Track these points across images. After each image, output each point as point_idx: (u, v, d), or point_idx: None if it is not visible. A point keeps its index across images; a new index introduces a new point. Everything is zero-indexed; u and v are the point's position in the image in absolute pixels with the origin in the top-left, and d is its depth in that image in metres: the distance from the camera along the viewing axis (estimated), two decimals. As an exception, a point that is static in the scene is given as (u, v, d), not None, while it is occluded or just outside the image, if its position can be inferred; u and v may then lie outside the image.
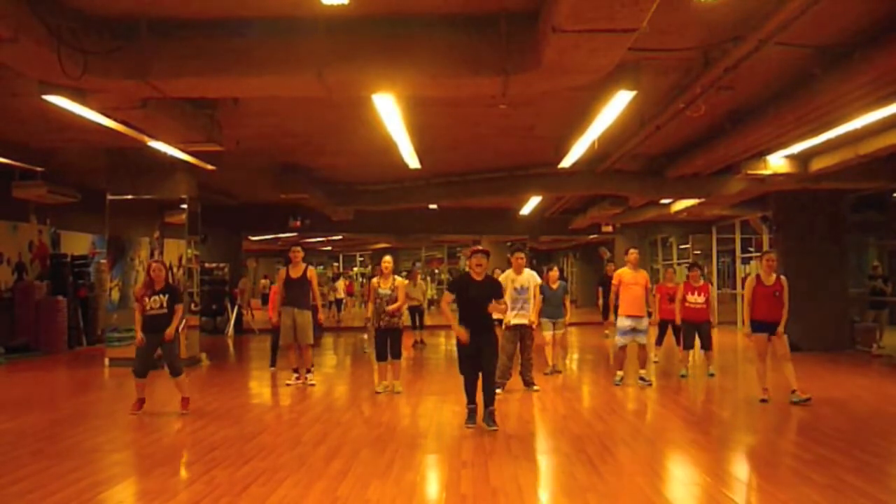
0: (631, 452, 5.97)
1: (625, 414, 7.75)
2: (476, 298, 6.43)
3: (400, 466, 5.31)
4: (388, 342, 8.41)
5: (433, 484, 5.13)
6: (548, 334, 9.95)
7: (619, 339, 8.98)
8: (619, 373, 9.13)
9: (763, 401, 7.66)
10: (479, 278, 6.46)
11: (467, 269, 6.65)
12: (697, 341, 9.74)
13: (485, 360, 6.46)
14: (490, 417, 6.40)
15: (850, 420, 7.19)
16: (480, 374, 6.49)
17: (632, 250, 9.31)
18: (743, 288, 8.34)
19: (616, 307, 9.06)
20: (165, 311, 7.21)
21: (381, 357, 8.51)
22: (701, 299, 9.57)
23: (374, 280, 8.59)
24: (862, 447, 5.88)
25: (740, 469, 5.67)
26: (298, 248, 9.28)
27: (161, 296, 7.21)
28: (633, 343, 8.93)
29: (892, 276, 13.87)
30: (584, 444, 5.97)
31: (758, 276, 7.78)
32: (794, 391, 7.58)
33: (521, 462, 5.48)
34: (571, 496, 4.65)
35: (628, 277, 8.97)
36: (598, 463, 5.38)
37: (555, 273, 10.05)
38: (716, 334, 16.70)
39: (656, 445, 6.31)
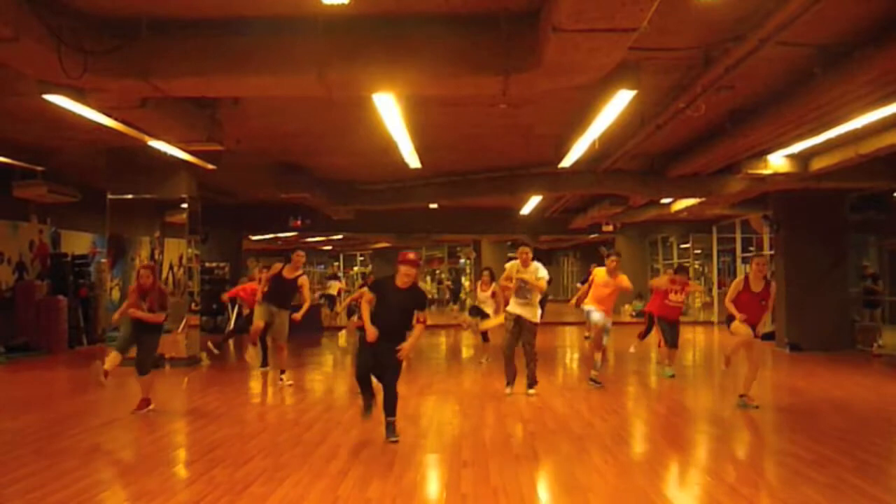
0: (631, 452, 5.97)
1: (625, 414, 7.75)
2: (394, 307, 5.99)
3: (400, 466, 5.31)
4: None
5: (433, 484, 5.13)
6: None
7: (594, 317, 9.05)
8: (598, 356, 9.11)
9: (742, 397, 7.59)
10: (403, 286, 6.02)
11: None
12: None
13: (386, 374, 6.01)
14: (390, 429, 6.01)
15: (850, 420, 7.19)
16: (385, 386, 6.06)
17: (613, 257, 9.18)
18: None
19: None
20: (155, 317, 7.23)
21: None
22: (681, 297, 9.62)
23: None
24: (862, 447, 5.88)
25: (740, 469, 5.67)
26: (302, 253, 9.38)
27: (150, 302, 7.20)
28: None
29: (883, 276, 13.94)
30: (585, 444, 5.97)
31: (746, 280, 7.50)
32: (742, 395, 7.55)
33: (521, 462, 5.48)
34: (572, 496, 4.65)
35: (600, 279, 9.05)
36: (598, 463, 5.39)
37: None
38: (716, 333, 16.78)
39: (656, 445, 6.31)
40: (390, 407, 6.06)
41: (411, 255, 6.04)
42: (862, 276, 13.64)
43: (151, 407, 7.35)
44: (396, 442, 5.97)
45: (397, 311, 5.99)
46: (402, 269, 5.98)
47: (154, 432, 6.70)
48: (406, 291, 6.01)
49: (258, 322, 9.12)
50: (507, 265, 8.63)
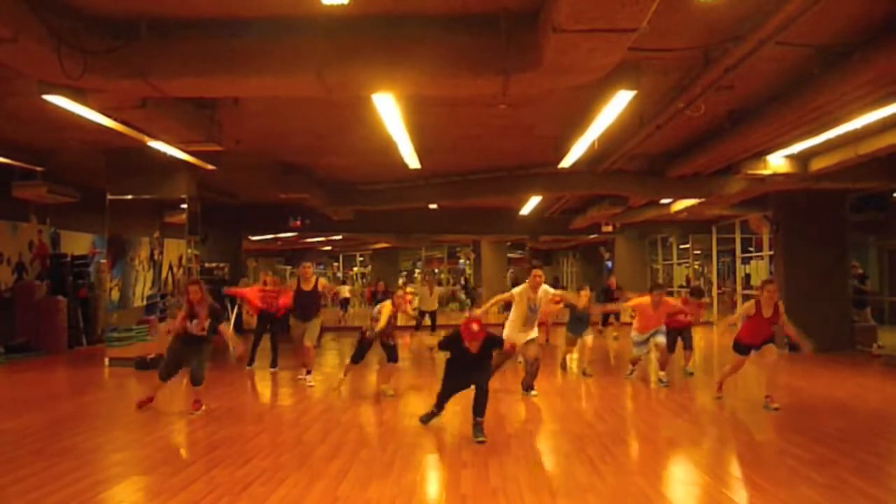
0: (631, 452, 5.97)
1: (625, 414, 7.75)
2: (471, 361, 6.24)
3: (400, 466, 5.32)
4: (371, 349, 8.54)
5: (433, 484, 5.13)
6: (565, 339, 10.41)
7: (635, 351, 9.48)
8: (632, 366, 9.59)
9: (718, 398, 8.02)
10: (475, 350, 6.15)
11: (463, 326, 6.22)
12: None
13: (479, 378, 6.26)
14: (478, 429, 6.15)
15: (850, 420, 7.19)
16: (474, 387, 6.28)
17: (657, 292, 9.27)
18: (742, 288, 8.32)
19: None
20: (205, 332, 7.22)
21: (356, 360, 8.57)
22: (690, 318, 9.74)
23: (388, 307, 8.32)
24: (862, 447, 5.89)
25: (740, 469, 5.67)
26: (308, 265, 9.61)
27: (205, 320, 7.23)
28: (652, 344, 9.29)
29: (884, 276, 13.99)
30: (584, 444, 5.97)
31: (757, 305, 7.43)
32: (767, 396, 7.48)
33: (521, 462, 5.49)
34: (571, 496, 4.65)
35: (648, 310, 9.15)
36: (598, 463, 5.39)
37: (586, 293, 10.28)
38: (714, 334, 16.77)
39: (656, 445, 6.31)
40: (481, 407, 6.20)
41: (475, 328, 6.06)
42: (850, 276, 13.70)
43: (204, 407, 7.38)
44: (483, 443, 5.98)
45: (473, 364, 6.24)
46: (470, 343, 6.10)
47: (154, 432, 6.69)
48: (478, 353, 6.19)
49: (309, 343, 9.31)
50: (516, 291, 8.07)
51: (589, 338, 10.24)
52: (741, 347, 7.66)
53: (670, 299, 9.40)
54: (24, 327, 12.91)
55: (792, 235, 13.42)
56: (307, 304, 9.28)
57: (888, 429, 6.97)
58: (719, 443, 6.46)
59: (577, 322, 10.17)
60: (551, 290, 8.35)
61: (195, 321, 7.16)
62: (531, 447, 6.15)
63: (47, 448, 5.94)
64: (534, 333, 8.24)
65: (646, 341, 9.28)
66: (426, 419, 6.64)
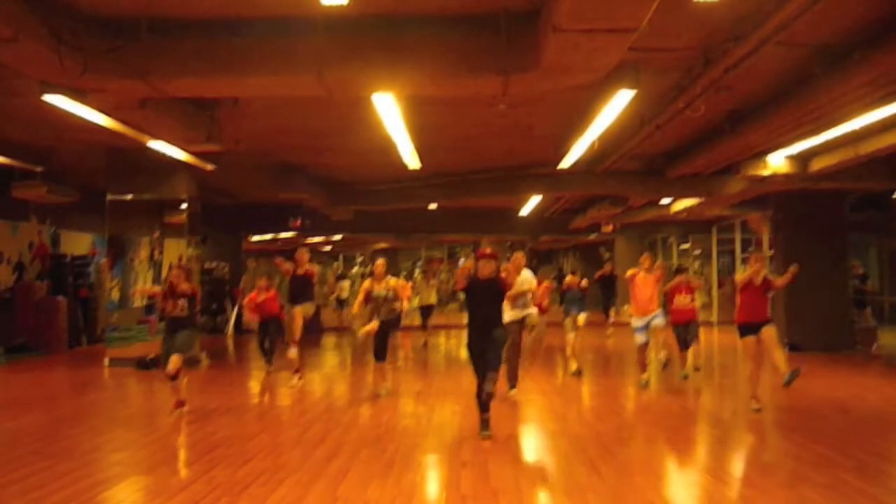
0: (631, 452, 5.97)
1: (625, 414, 7.75)
2: (481, 297, 6.40)
3: (400, 466, 5.31)
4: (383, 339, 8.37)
5: (433, 484, 5.13)
6: (571, 336, 10.22)
7: (637, 338, 9.03)
8: (644, 375, 9.01)
9: (757, 410, 7.26)
10: (483, 278, 6.41)
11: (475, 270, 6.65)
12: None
13: (485, 363, 6.22)
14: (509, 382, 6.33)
15: (850, 420, 7.19)
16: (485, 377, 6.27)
17: (646, 254, 9.29)
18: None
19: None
20: (186, 313, 7.25)
21: (379, 357, 8.41)
22: (688, 299, 9.40)
23: (367, 282, 8.57)
24: (862, 447, 5.88)
25: (740, 469, 5.67)
26: (305, 250, 9.59)
27: (182, 300, 7.27)
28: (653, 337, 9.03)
29: (884, 276, 13.99)
30: (584, 444, 5.97)
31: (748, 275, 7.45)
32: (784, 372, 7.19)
33: (521, 462, 5.49)
34: (571, 496, 4.65)
35: (640, 280, 8.98)
36: (598, 463, 5.38)
37: (575, 278, 10.75)
38: (715, 333, 16.78)
39: (656, 445, 6.31)
40: (484, 402, 6.23)
41: (488, 250, 6.56)
42: (850, 276, 13.72)
43: (185, 408, 7.31)
44: (489, 436, 6.08)
45: (485, 302, 6.39)
46: (482, 263, 6.44)
47: (154, 432, 6.70)
48: (487, 282, 6.39)
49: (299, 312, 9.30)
50: None
51: (582, 316, 10.32)
52: (743, 328, 7.50)
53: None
54: (24, 327, 12.91)
55: (792, 235, 13.41)
56: (299, 288, 9.33)
57: (888, 429, 6.97)
58: (719, 443, 6.46)
59: (573, 302, 10.38)
60: (533, 278, 8.29)
61: (179, 303, 7.21)
62: (531, 447, 6.15)
63: (47, 448, 5.93)
64: (531, 309, 8.18)
65: (646, 326, 8.92)
66: (485, 428, 6.26)
